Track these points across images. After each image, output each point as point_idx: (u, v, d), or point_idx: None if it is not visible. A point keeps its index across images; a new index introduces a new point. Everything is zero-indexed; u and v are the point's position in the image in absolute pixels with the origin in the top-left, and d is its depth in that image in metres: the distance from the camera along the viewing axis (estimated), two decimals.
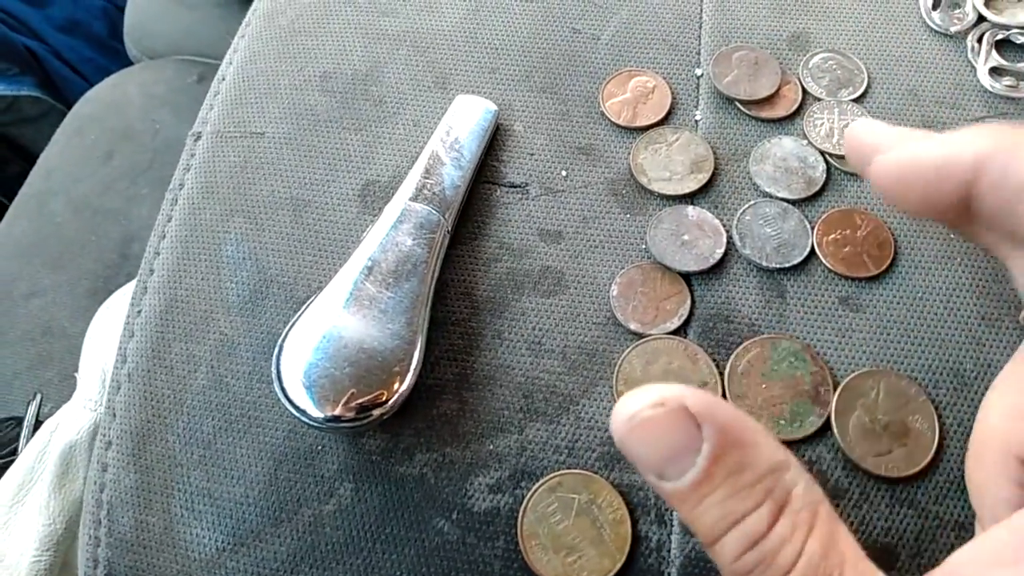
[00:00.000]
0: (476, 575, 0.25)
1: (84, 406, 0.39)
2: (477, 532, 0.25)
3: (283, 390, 0.25)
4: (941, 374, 0.27)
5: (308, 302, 0.26)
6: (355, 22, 0.35)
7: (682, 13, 0.35)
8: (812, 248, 0.29)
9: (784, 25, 0.34)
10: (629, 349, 0.27)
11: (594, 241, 0.30)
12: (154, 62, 0.71)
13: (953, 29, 0.33)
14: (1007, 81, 0.32)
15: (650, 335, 0.28)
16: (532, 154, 0.32)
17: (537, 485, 0.25)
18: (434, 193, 0.29)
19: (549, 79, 0.34)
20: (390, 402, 0.25)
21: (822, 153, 0.31)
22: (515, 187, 0.31)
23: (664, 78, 0.33)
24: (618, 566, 0.24)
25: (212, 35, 0.69)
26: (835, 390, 0.26)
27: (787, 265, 0.29)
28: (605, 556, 0.24)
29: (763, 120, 0.32)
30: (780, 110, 0.32)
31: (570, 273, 0.29)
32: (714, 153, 0.31)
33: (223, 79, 0.35)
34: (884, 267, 0.29)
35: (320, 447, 0.27)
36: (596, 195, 0.31)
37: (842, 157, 0.31)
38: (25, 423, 0.44)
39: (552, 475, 0.26)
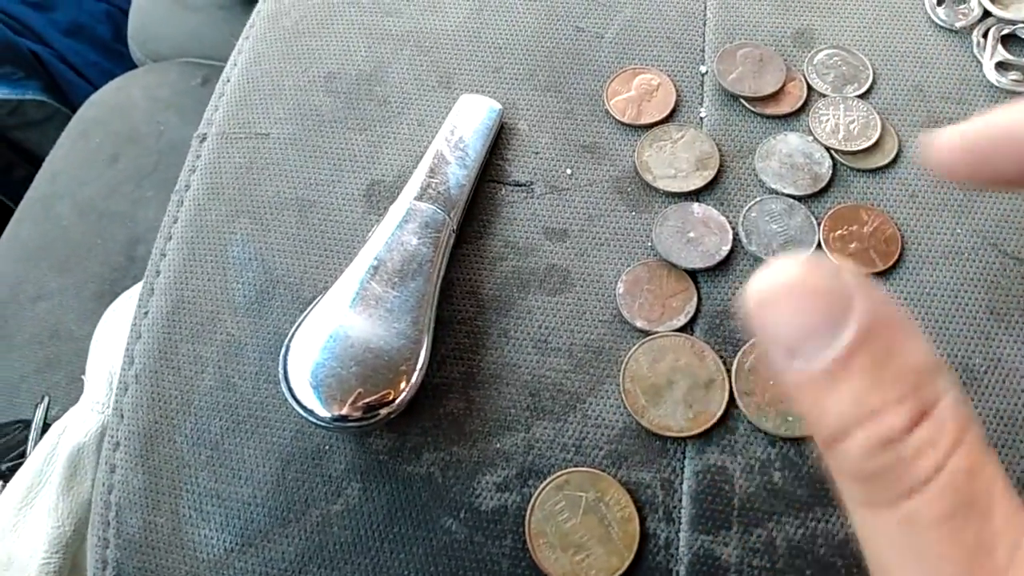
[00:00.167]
0: (484, 574, 0.25)
1: (92, 408, 0.39)
2: (485, 531, 0.25)
3: (290, 390, 0.25)
4: (949, 369, 0.27)
5: (314, 302, 0.26)
6: (359, 22, 0.35)
7: (686, 10, 0.35)
8: (819, 244, 0.29)
9: (789, 21, 0.34)
10: (636, 347, 0.27)
11: (600, 239, 0.30)
12: (158, 65, 0.71)
13: (959, 24, 0.33)
14: (1013, 76, 0.32)
15: (657, 332, 0.28)
16: (537, 152, 0.32)
17: (544, 483, 0.25)
18: (439, 192, 0.29)
19: (553, 77, 0.33)
20: (397, 401, 0.25)
21: (828, 149, 0.31)
22: (520, 186, 0.31)
23: (668, 75, 0.33)
24: (626, 564, 0.24)
25: (216, 37, 0.70)
26: None
27: None
28: (613, 554, 0.24)
29: (768, 117, 0.32)
30: (785, 106, 0.32)
31: (576, 271, 0.29)
32: (719, 150, 0.31)
33: (228, 81, 0.35)
34: (891, 263, 0.28)
35: (327, 447, 0.27)
36: (601, 193, 0.31)
37: (847, 152, 0.30)
38: (33, 426, 0.44)
39: (559, 473, 0.26)
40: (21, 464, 0.38)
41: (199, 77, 0.67)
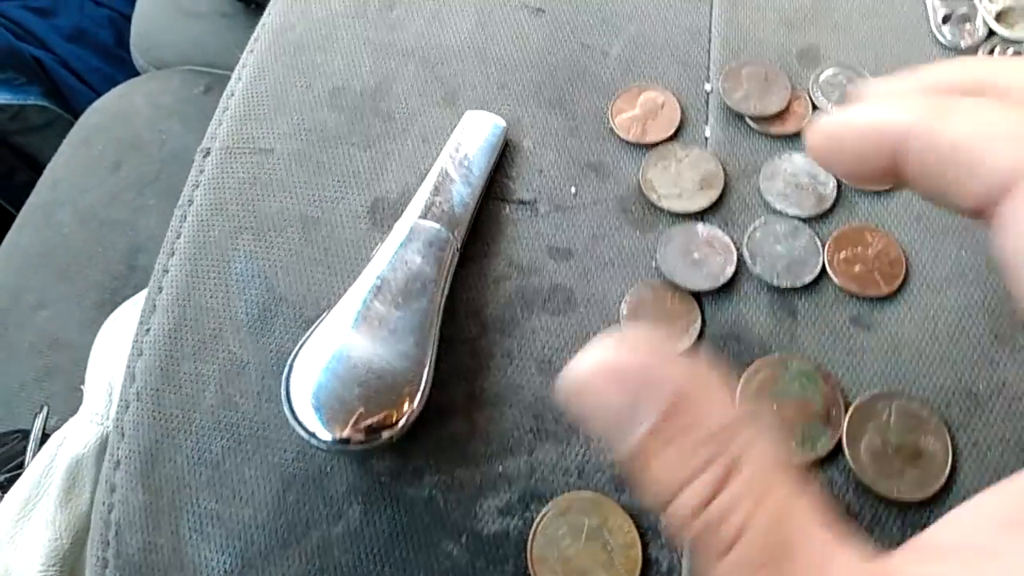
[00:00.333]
0: None
1: (91, 420, 0.39)
2: (487, 555, 0.25)
3: (292, 411, 0.25)
4: (954, 394, 0.27)
5: (317, 321, 0.26)
6: (364, 37, 0.35)
7: (691, 28, 0.35)
8: (823, 266, 0.29)
9: (794, 40, 0.34)
10: None
11: (604, 259, 0.30)
12: (161, 72, 0.71)
13: (963, 44, 0.33)
14: None
15: None
16: (541, 171, 0.32)
17: (546, 509, 0.25)
18: (443, 211, 0.29)
19: (558, 94, 0.33)
20: (400, 423, 0.25)
21: None
22: (524, 204, 0.31)
23: (674, 94, 0.33)
24: None
25: (219, 45, 0.70)
26: (846, 411, 0.26)
27: (798, 284, 0.28)
28: None
29: (773, 136, 0.32)
30: (790, 126, 0.32)
31: (580, 291, 0.29)
32: (724, 170, 0.31)
33: (232, 95, 0.35)
34: (896, 286, 0.28)
35: (329, 468, 0.27)
36: (606, 212, 0.31)
37: None
38: (32, 436, 0.44)
39: (562, 498, 0.25)
40: (19, 475, 0.38)
41: (202, 85, 0.67)
